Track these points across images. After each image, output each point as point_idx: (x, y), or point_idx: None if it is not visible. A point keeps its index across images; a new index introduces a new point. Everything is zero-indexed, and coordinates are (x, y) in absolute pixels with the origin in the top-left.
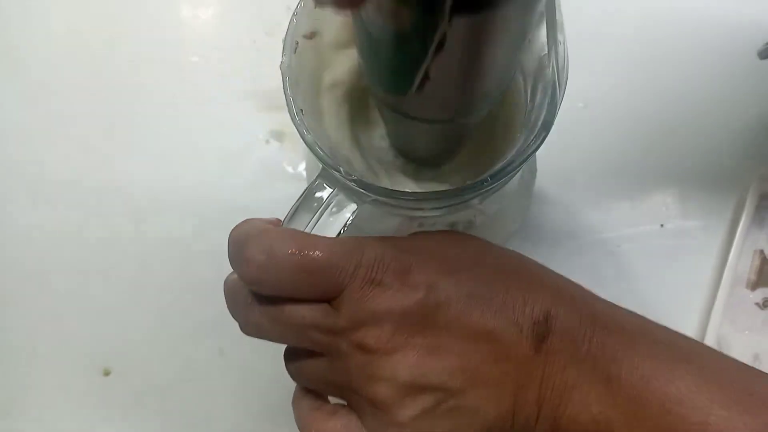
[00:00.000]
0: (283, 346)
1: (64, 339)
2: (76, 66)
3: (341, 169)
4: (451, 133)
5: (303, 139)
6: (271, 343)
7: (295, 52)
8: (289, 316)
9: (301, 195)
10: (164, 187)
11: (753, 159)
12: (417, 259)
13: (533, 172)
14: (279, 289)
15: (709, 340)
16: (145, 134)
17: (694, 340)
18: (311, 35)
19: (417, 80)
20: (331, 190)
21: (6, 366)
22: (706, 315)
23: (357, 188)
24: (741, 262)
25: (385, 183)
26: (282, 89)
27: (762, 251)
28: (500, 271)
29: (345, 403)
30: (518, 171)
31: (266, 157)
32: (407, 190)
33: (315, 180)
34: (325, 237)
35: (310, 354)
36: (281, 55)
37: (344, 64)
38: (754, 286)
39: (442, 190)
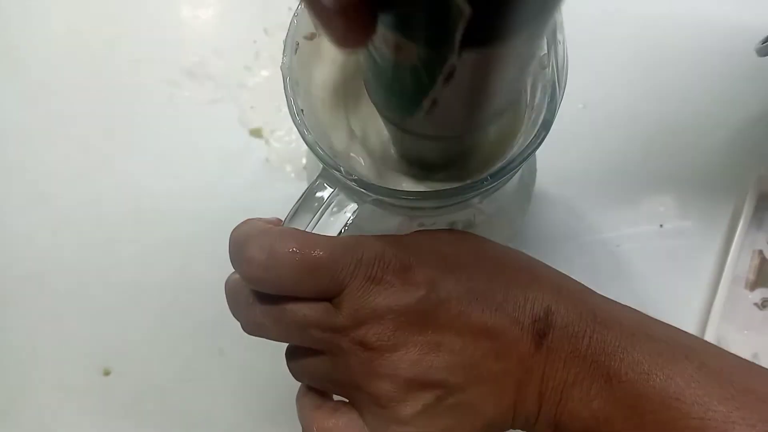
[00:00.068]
0: (283, 346)
1: (64, 339)
2: (76, 66)
3: (342, 168)
4: (457, 146)
5: (304, 139)
6: (270, 343)
7: (296, 52)
8: (291, 315)
9: (302, 195)
10: (164, 187)
11: (752, 159)
12: (418, 257)
13: (533, 171)
14: (280, 288)
15: (708, 340)
16: (145, 134)
17: (693, 336)
18: (312, 36)
19: (425, 105)
20: (332, 189)
21: (6, 366)
22: (705, 315)
23: (357, 188)
24: (740, 262)
25: (386, 182)
26: (283, 89)
27: (761, 251)
28: (500, 268)
29: (347, 400)
30: (518, 170)
31: (266, 157)
32: (408, 190)
33: (316, 180)
34: (326, 236)
35: (312, 352)
36: (282, 55)
37: (344, 62)
38: (753, 286)
39: (443, 189)
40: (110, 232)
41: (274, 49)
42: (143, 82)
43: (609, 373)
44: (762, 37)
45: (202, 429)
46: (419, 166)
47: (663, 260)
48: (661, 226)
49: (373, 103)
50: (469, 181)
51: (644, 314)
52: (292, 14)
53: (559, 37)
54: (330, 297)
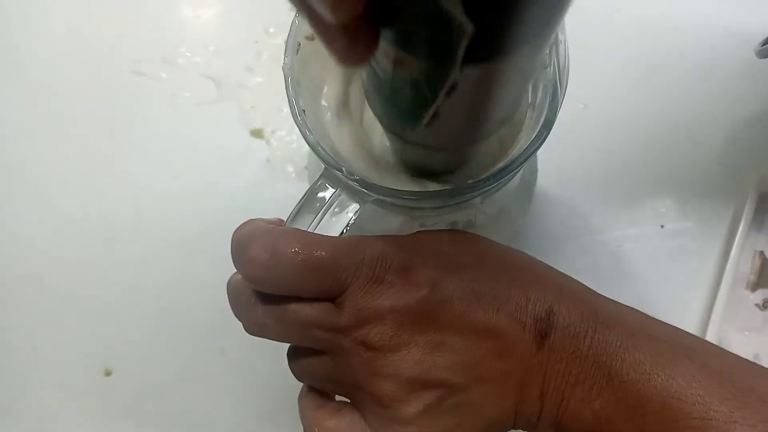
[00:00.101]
0: (284, 346)
1: (64, 339)
2: (76, 66)
3: (343, 168)
4: (458, 155)
5: (305, 139)
6: (271, 343)
7: (297, 53)
8: (293, 315)
9: (304, 195)
10: (165, 187)
11: (753, 160)
12: (420, 257)
13: (534, 172)
14: (283, 288)
15: (709, 341)
16: (146, 134)
17: (695, 336)
18: (313, 36)
19: (426, 118)
20: (334, 190)
21: (6, 366)
22: (706, 315)
23: (359, 188)
24: (741, 263)
25: (387, 182)
26: (284, 89)
27: (762, 252)
28: (502, 268)
29: (349, 401)
30: (519, 170)
31: (267, 157)
32: (409, 189)
33: (317, 180)
34: (328, 236)
35: (314, 352)
36: (283, 55)
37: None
38: (754, 287)
39: (444, 189)
40: (110, 232)
41: (275, 49)
42: (144, 82)
43: (610, 373)
44: (761, 39)
45: (203, 429)
46: (420, 173)
47: (664, 261)
48: (662, 226)
49: (374, 114)
50: (470, 181)
51: (645, 314)
52: (293, 14)
53: (561, 36)
54: (332, 297)
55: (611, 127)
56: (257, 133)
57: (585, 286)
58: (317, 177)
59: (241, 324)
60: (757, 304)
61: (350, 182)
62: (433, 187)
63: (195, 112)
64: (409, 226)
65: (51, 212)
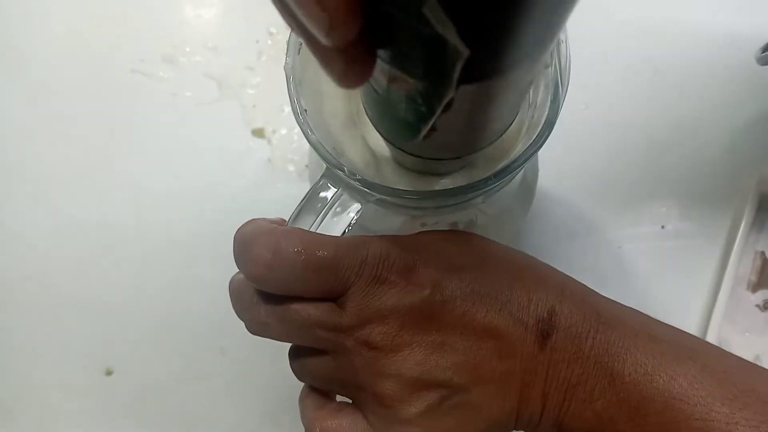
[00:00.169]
0: (285, 346)
1: (64, 339)
2: (77, 66)
3: (345, 168)
4: (458, 163)
5: (307, 139)
6: (272, 342)
7: (299, 52)
8: (295, 315)
9: (306, 195)
10: (165, 187)
11: (754, 161)
12: (422, 257)
13: (535, 172)
14: (285, 288)
15: (710, 341)
16: (146, 134)
17: (696, 337)
18: None
19: (423, 132)
20: (335, 189)
21: (6, 366)
22: (706, 316)
23: (361, 187)
24: (742, 264)
25: (389, 182)
26: (285, 89)
27: (763, 253)
28: (504, 268)
29: (350, 401)
30: (521, 170)
31: (268, 157)
32: (410, 189)
33: (319, 180)
34: (330, 236)
35: (315, 352)
36: (285, 55)
37: None
38: (754, 287)
39: (446, 189)
40: (111, 231)
41: (276, 48)
42: (144, 81)
43: (612, 374)
44: (762, 45)
45: (203, 429)
46: (422, 173)
47: (665, 261)
48: (662, 227)
49: (372, 125)
50: (471, 181)
51: (647, 315)
52: None
53: (562, 36)
54: (334, 297)
55: (612, 127)
56: (258, 133)
57: (586, 286)
58: (319, 177)
59: (241, 324)
60: (757, 305)
61: (352, 182)
62: (434, 186)
63: (196, 111)
64: (410, 225)
65: (51, 212)
